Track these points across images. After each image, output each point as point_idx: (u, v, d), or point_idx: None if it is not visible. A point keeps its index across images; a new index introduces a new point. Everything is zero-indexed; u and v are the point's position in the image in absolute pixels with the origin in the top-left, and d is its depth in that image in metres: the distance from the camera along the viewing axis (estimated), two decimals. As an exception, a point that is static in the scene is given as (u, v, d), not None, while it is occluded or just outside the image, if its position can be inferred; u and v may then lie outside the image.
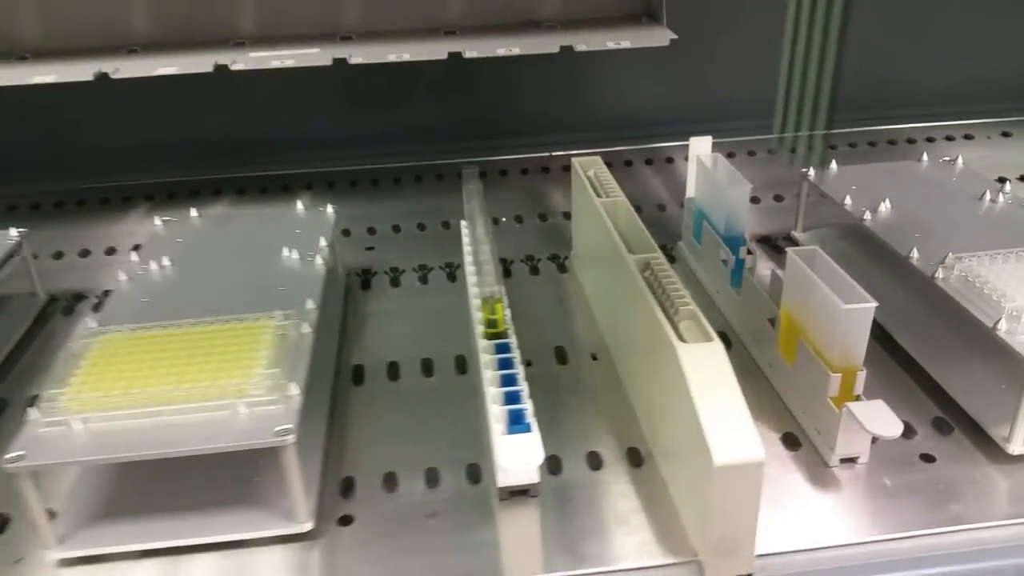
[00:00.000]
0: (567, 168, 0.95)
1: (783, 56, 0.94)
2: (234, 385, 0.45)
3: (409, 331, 0.66)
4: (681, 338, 0.45)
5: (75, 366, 0.48)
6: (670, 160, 0.96)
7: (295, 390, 0.46)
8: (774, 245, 0.75)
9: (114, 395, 0.45)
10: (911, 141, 0.96)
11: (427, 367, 0.62)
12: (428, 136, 0.99)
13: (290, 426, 0.43)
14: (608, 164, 0.70)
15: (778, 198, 0.84)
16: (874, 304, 0.46)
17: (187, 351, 0.49)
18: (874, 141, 0.97)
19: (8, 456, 0.42)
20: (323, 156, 0.97)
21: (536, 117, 1.00)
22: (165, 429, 0.44)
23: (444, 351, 0.63)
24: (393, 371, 0.61)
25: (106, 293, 0.72)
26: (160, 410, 0.44)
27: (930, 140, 0.96)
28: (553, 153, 0.98)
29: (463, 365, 0.62)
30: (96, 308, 0.70)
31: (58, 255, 0.79)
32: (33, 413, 0.44)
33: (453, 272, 0.75)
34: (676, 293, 0.49)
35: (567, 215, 0.85)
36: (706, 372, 0.42)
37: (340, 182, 0.94)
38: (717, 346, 0.44)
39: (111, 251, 0.80)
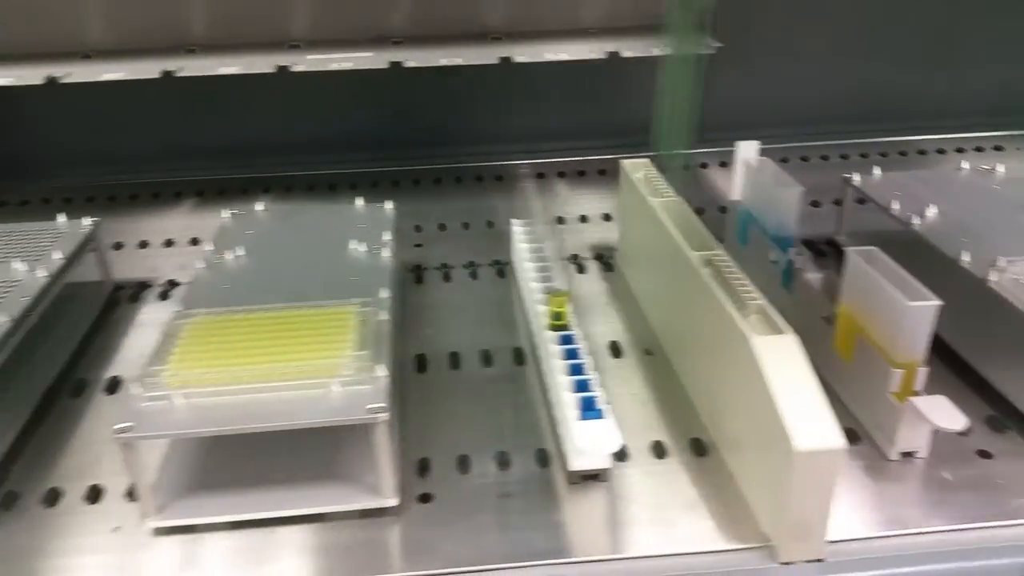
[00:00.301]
0: (602, 172, 0.99)
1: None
2: (326, 366, 0.48)
3: (465, 323, 0.69)
4: (754, 331, 0.47)
5: (171, 345, 0.50)
6: (704, 165, 0.98)
7: (382, 372, 0.48)
8: (816, 249, 0.77)
9: (212, 372, 0.47)
10: (941, 152, 0.99)
11: (486, 358, 0.64)
12: (468, 139, 1.02)
13: (382, 404, 0.45)
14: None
15: (815, 203, 0.87)
16: (938, 302, 0.49)
17: (275, 333, 0.51)
18: (905, 151, 0.99)
19: (117, 427, 0.44)
20: (367, 157, 1.00)
21: (574, 122, 1.02)
22: (263, 405, 0.46)
23: (501, 343, 0.65)
24: (454, 360, 0.64)
25: (171, 283, 0.74)
26: (257, 387, 0.46)
27: (960, 151, 0.99)
28: (585, 158, 1.01)
29: (520, 357, 0.64)
30: (163, 296, 0.73)
31: (118, 246, 0.82)
32: (135, 388, 0.46)
33: (502, 269, 0.77)
34: (743, 288, 0.51)
35: (607, 216, 0.87)
36: (782, 363, 0.44)
37: (383, 182, 0.96)
38: (791, 338, 0.46)
39: (169, 243, 0.82)
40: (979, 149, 0.99)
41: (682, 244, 0.57)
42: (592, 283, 0.74)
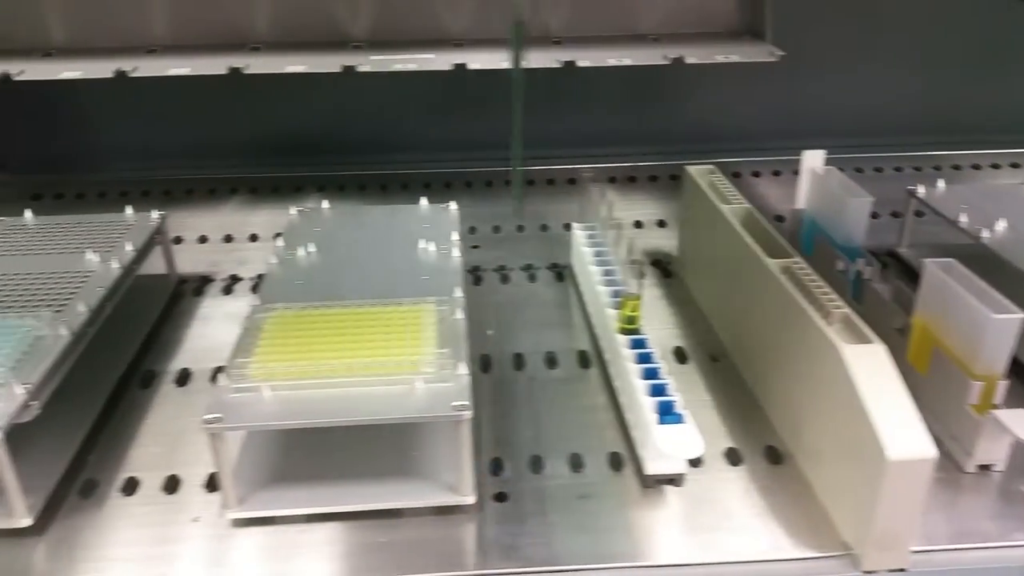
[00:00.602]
0: (653, 178, 0.99)
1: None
2: (409, 362, 0.48)
3: (526, 325, 0.69)
4: (842, 340, 0.47)
5: (255, 339, 0.50)
6: (756, 174, 0.98)
7: (464, 370, 0.48)
8: (878, 260, 0.77)
9: (297, 365, 0.47)
10: (996, 167, 0.98)
11: (550, 360, 0.64)
12: (536, 143, 1.02)
13: (466, 402, 0.45)
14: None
15: (874, 215, 0.86)
16: (1022, 315, 0.48)
17: (355, 329, 0.51)
18: (959, 165, 0.99)
19: (207, 418, 0.44)
20: (421, 158, 1.00)
21: (618, 128, 1.03)
22: (348, 399, 0.46)
23: (564, 345, 0.65)
24: (518, 361, 0.64)
25: (233, 277, 0.75)
26: (341, 381, 0.47)
27: (1015, 166, 0.98)
28: (636, 164, 1.01)
29: (585, 359, 0.64)
30: (226, 290, 0.73)
31: (177, 240, 0.82)
32: (223, 380, 0.46)
33: (560, 272, 0.77)
34: (826, 296, 0.51)
35: (661, 222, 0.87)
36: (873, 373, 0.44)
37: (435, 183, 0.97)
38: (879, 347, 0.46)
39: (229, 238, 0.83)
40: (1036, 165, 0.98)
41: (758, 251, 0.57)
42: (650, 288, 0.74)
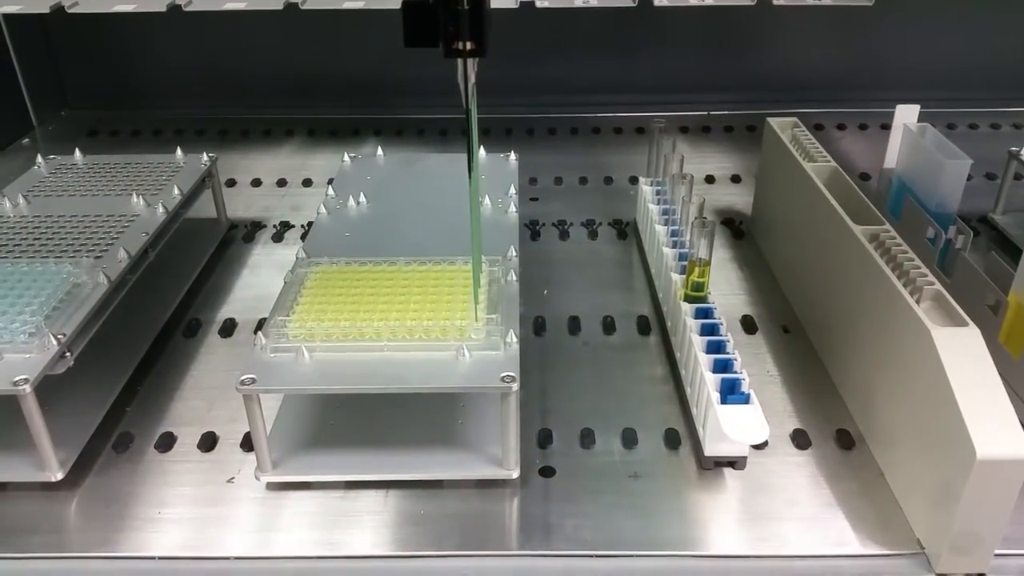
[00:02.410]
0: (729, 128, 0.93)
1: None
2: (457, 327, 0.45)
3: (584, 286, 0.65)
4: (933, 322, 0.42)
5: (296, 295, 0.48)
6: (841, 127, 0.92)
7: (514, 338, 0.45)
8: (969, 227, 0.70)
9: (339, 326, 0.45)
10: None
11: (608, 324, 0.60)
12: (603, 88, 0.97)
13: (514, 373, 0.42)
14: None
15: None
16: None
17: (400, 289, 0.48)
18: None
19: (242, 379, 0.42)
20: (481, 102, 0.96)
21: (694, 74, 0.97)
22: (390, 365, 0.43)
23: (624, 309, 0.62)
24: (574, 325, 0.60)
25: (284, 224, 0.73)
26: (384, 345, 0.44)
27: None
28: (712, 112, 0.95)
29: (645, 326, 0.60)
30: (276, 238, 0.71)
31: (231, 182, 0.80)
32: (260, 339, 0.44)
33: (623, 229, 0.73)
34: (917, 271, 0.46)
35: (735, 178, 0.82)
36: (965, 359, 0.40)
37: (496, 129, 0.93)
38: (974, 331, 0.41)
39: (282, 182, 0.81)
40: None
41: (843, 216, 0.52)
42: (720, 250, 0.70)
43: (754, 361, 0.56)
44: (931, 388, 0.41)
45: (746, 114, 0.93)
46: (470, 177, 0.43)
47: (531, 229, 0.73)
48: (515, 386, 0.42)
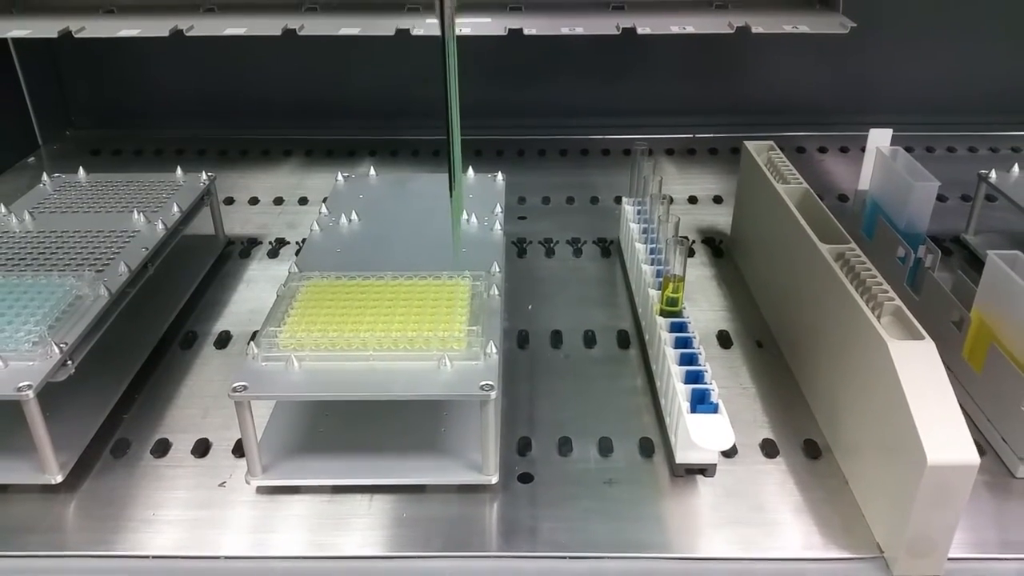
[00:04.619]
0: (713, 151, 0.96)
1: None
2: (439, 338, 0.47)
3: (567, 302, 0.67)
4: (891, 335, 0.45)
5: (287, 307, 0.50)
6: (823, 150, 0.94)
7: (493, 349, 0.47)
8: (942, 247, 0.73)
9: (326, 337, 0.47)
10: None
11: (589, 338, 0.62)
12: (592, 111, 1.00)
13: (492, 382, 0.45)
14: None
15: (941, 198, 0.82)
16: (1088, 315, 0.45)
17: (388, 302, 0.51)
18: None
19: (234, 386, 0.44)
20: (470, 124, 0.99)
21: (679, 97, 1.00)
22: (375, 373, 0.46)
23: (605, 324, 0.64)
24: (556, 339, 0.62)
25: (279, 240, 0.75)
26: (370, 354, 0.46)
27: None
28: (697, 136, 0.98)
29: (625, 340, 0.62)
30: (271, 254, 0.73)
31: (229, 200, 0.83)
32: (252, 349, 0.46)
33: (607, 247, 0.75)
34: (879, 287, 0.48)
35: (717, 199, 0.85)
36: (919, 370, 0.42)
37: (486, 150, 0.96)
38: (929, 344, 0.43)
39: (279, 200, 0.83)
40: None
41: (812, 235, 0.55)
42: (700, 268, 0.72)
43: (728, 374, 0.58)
44: (888, 398, 0.43)
45: (730, 137, 0.96)
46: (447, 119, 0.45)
47: (519, 247, 0.75)
48: (493, 394, 0.44)
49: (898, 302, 0.47)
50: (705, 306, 0.67)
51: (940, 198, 0.82)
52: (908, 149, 0.92)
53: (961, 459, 0.39)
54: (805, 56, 0.95)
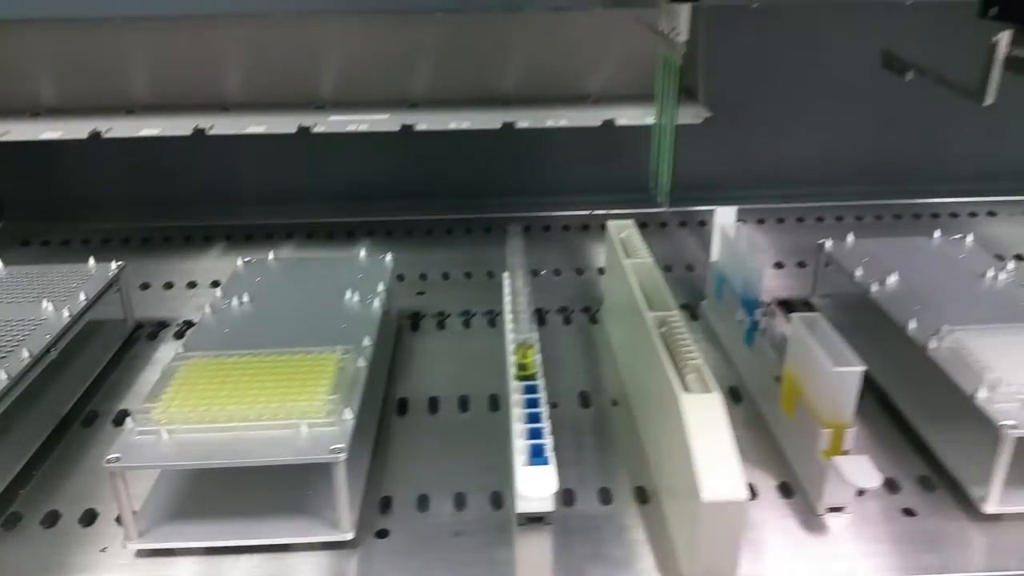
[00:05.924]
0: (602, 227, 1.03)
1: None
2: (299, 408, 0.53)
3: (450, 370, 0.74)
4: (686, 389, 0.51)
5: (166, 384, 0.56)
6: (703, 223, 1.02)
7: (349, 415, 0.53)
8: (792, 308, 0.81)
9: (197, 411, 0.53)
10: (935, 215, 1.02)
11: (463, 403, 0.69)
12: (479, 192, 1.07)
13: (343, 445, 0.51)
14: (643, 225, 0.78)
15: (801, 264, 0.90)
16: (862, 368, 0.52)
17: (262, 376, 0.57)
18: (899, 214, 1.03)
19: (108, 457, 0.50)
20: (383, 207, 1.06)
21: (578, 179, 1.08)
22: (238, 443, 0.51)
23: (480, 390, 0.70)
24: (433, 405, 0.69)
25: (187, 323, 0.81)
26: (235, 426, 0.52)
27: (954, 215, 1.01)
28: (594, 212, 1.06)
29: (496, 403, 0.68)
30: (178, 335, 0.79)
31: (145, 286, 0.89)
32: (129, 423, 0.52)
33: (494, 319, 0.82)
34: (687, 349, 0.55)
35: (602, 271, 0.92)
36: (704, 419, 0.49)
37: (398, 231, 1.03)
38: (716, 397, 0.50)
39: (192, 284, 0.90)
40: (973, 214, 1.01)
41: (642, 304, 0.62)
42: (575, 335, 0.79)
43: (585, 431, 0.65)
44: (682, 444, 0.49)
45: (621, 213, 1.03)
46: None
47: (412, 320, 0.82)
48: (342, 456, 0.50)
49: (699, 361, 0.54)
50: (572, 369, 0.73)
51: (800, 264, 0.91)
52: (760, 221, 1.01)
53: (731, 496, 0.46)
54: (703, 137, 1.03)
